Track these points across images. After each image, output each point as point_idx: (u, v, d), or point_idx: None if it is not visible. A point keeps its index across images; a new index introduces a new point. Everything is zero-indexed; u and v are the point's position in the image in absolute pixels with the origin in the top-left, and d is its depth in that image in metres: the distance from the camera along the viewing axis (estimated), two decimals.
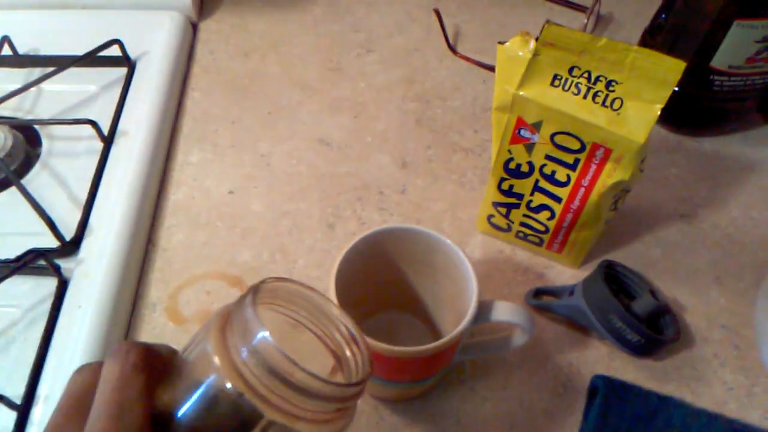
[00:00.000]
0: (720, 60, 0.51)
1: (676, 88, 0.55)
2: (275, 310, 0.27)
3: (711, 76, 0.53)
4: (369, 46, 0.65)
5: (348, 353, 0.27)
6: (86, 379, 0.25)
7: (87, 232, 0.50)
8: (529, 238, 0.49)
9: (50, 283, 0.48)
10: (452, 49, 0.65)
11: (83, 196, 0.52)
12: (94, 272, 0.48)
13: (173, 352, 0.26)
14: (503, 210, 0.48)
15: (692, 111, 0.57)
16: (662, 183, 0.56)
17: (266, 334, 0.23)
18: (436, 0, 0.69)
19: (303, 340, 0.27)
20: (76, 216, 0.51)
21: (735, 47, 0.50)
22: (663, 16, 0.56)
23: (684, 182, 0.56)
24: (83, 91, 0.61)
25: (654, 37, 0.57)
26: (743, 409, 0.44)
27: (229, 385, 0.22)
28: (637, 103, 0.38)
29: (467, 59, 0.64)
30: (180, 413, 0.23)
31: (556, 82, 0.40)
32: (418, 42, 0.66)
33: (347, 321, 0.27)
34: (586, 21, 0.64)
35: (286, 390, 0.22)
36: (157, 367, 0.24)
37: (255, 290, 0.24)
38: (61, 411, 0.24)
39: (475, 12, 0.69)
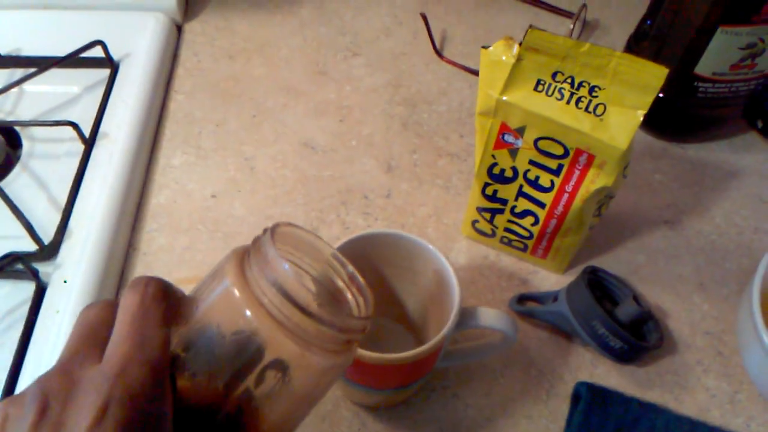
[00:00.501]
0: (704, 67, 0.51)
1: (661, 95, 0.55)
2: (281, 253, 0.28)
3: (695, 83, 0.53)
4: (355, 50, 0.65)
5: (349, 296, 0.29)
6: (99, 313, 0.25)
7: (66, 236, 0.49)
8: (514, 243, 0.49)
9: (28, 288, 0.47)
10: (439, 53, 0.65)
11: (63, 199, 0.51)
12: (72, 277, 0.47)
13: (183, 294, 0.27)
14: (487, 215, 0.48)
15: (677, 117, 0.57)
16: (647, 189, 0.56)
17: (287, 266, 0.24)
18: (423, 4, 0.69)
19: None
20: (56, 219, 0.50)
21: (719, 54, 0.50)
22: (648, 22, 0.56)
23: (668, 189, 0.56)
24: (65, 92, 0.60)
25: (639, 44, 0.57)
26: (726, 415, 0.44)
27: (249, 313, 0.24)
28: (620, 109, 0.38)
29: (454, 64, 0.64)
30: (197, 346, 0.25)
31: (540, 87, 0.40)
32: (405, 46, 0.66)
33: (349, 267, 0.29)
34: (572, 26, 0.64)
35: (303, 318, 0.24)
36: (173, 303, 0.25)
37: (272, 231, 0.26)
38: (76, 340, 0.24)
39: (461, 16, 0.69)
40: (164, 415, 0.23)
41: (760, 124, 0.59)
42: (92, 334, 0.24)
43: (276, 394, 0.25)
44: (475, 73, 0.63)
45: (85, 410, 0.22)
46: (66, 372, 0.23)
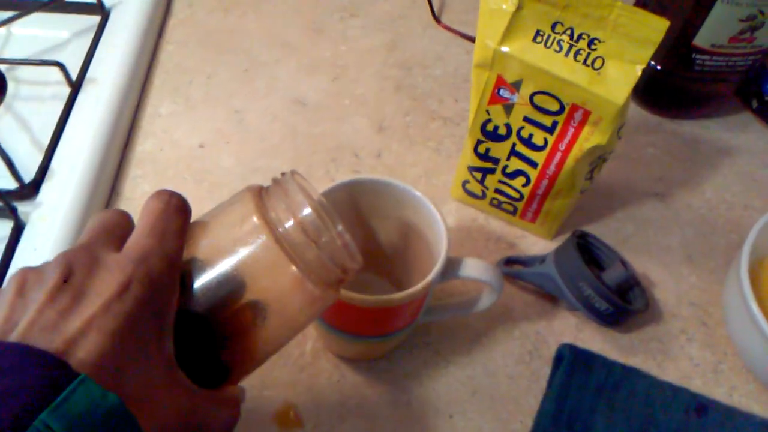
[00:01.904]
0: (703, 38, 0.51)
1: (658, 67, 0.55)
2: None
3: (693, 55, 0.52)
4: (353, 11, 0.64)
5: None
6: (114, 216, 0.27)
7: (48, 176, 0.48)
8: (503, 206, 0.49)
9: (6, 226, 0.46)
10: (437, 18, 0.64)
11: (46, 140, 0.50)
12: (52, 217, 0.46)
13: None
14: (478, 175, 0.47)
15: (673, 91, 0.56)
16: (639, 162, 0.55)
17: (305, 199, 0.27)
18: None
19: None
20: (38, 160, 0.49)
21: (719, 25, 0.50)
22: None
23: (661, 162, 0.55)
24: (54, 36, 0.59)
25: None
26: (708, 385, 0.43)
27: (263, 237, 0.26)
28: (618, 63, 0.38)
29: (451, 30, 0.63)
30: (205, 262, 0.26)
31: (539, 39, 0.39)
32: (403, 9, 0.65)
33: (339, 226, 0.30)
34: None
35: (312, 248, 0.27)
36: (189, 218, 0.27)
37: (292, 173, 0.29)
38: (95, 232, 0.26)
39: None
40: (172, 308, 0.24)
41: (754, 104, 0.59)
42: (110, 230, 0.26)
43: (269, 315, 0.27)
44: (472, 39, 0.62)
45: (107, 283, 0.23)
46: (90, 251, 0.24)
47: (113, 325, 0.22)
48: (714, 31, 0.50)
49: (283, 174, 0.29)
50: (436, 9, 0.65)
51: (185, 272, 0.26)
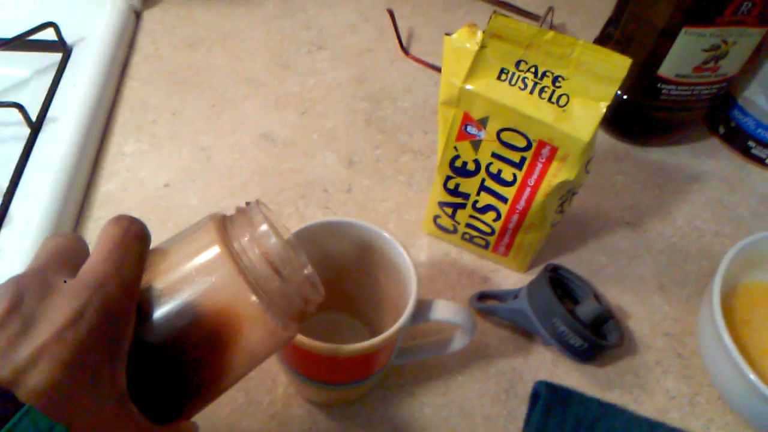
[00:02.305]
0: (667, 68, 0.51)
1: (625, 96, 0.55)
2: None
3: (658, 85, 0.53)
4: (320, 44, 0.64)
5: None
6: (68, 242, 0.25)
7: (5, 222, 0.46)
8: (475, 240, 0.48)
9: None
10: (405, 50, 0.64)
11: (4, 184, 0.48)
12: (10, 266, 0.44)
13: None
14: (449, 210, 0.47)
15: (640, 120, 0.57)
16: (609, 190, 0.55)
17: (269, 228, 0.26)
18: (390, 1, 0.68)
19: None
20: None
21: (683, 56, 0.50)
22: (612, 26, 0.56)
23: (630, 190, 0.55)
24: (14, 75, 0.57)
25: (604, 47, 0.57)
26: (685, 418, 0.43)
27: (226, 268, 0.25)
28: (583, 100, 0.37)
29: (419, 61, 0.63)
30: (163, 291, 0.25)
31: (503, 76, 0.39)
32: (371, 42, 0.65)
33: (303, 257, 0.30)
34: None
35: (276, 279, 0.26)
36: (148, 247, 0.26)
37: (257, 202, 0.28)
38: (47, 257, 0.24)
39: (429, 15, 0.68)
40: (127, 339, 0.23)
41: (722, 130, 0.59)
42: (63, 255, 0.25)
43: (227, 348, 0.26)
44: (440, 70, 0.62)
45: (60, 310, 0.22)
46: (41, 275, 0.23)
47: (65, 354, 0.21)
48: (678, 62, 0.51)
49: (247, 203, 0.28)
50: (404, 40, 0.65)
51: (142, 301, 0.25)
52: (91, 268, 0.24)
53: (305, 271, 0.27)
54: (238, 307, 0.25)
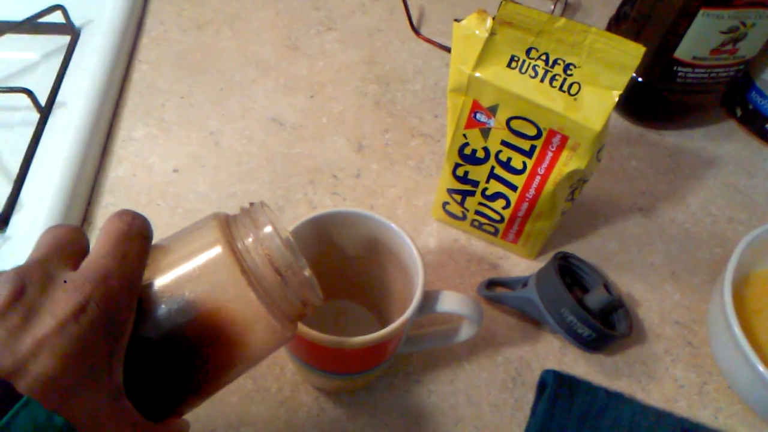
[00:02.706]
0: (684, 50, 0.50)
1: (639, 79, 0.54)
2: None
3: (675, 67, 0.51)
4: (329, 24, 0.63)
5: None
6: (68, 232, 0.25)
7: (17, 208, 0.47)
8: (485, 227, 0.48)
9: None
10: (416, 30, 0.63)
11: (15, 170, 0.49)
12: (21, 251, 0.44)
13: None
14: (458, 197, 0.47)
15: (655, 103, 0.56)
16: (622, 176, 0.54)
17: (273, 230, 0.27)
18: None
19: None
20: (6, 191, 0.47)
21: (700, 37, 0.49)
22: (629, 4, 0.54)
23: (644, 175, 0.55)
24: (22, 59, 0.57)
25: (620, 26, 0.55)
26: (693, 407, 0.43)
27: (231, 271, 0.25)
28: (594, 89, 0.37)
29: (430, 42, 0.62)
30: (163, 289, 0.25)
31: (513, 64, 0.38)
32: (381, 22, 0.64)
33: (302, 259, 0.30)
34: (553, 7, 0.63)
35: (278, 280, 0.26)
36: (150, 243, 0.26)
37: (262, 204, 0.28)
38: (47, 248, 0.24)
39: None
40: (127, 334, 0.23)
41: (739, 113, 0.58)
42: (64, 247, 0.24)
43: (226, 347, 0.26)
44: None
45: (62, 303, 0.21)
46: (43, 267, 0.23)
47: (66, 347, 0.21)
48: (695, 44, 0.49)
49: (251, 204, 0.29)
50: (414, 20, 0.64)
51: (142, 297, 0.25)
52: (93, 261, 0.24)
53: (305, 273, 0.27)
54: (240, 307, 0.26)
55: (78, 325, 0.21)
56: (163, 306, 0.25)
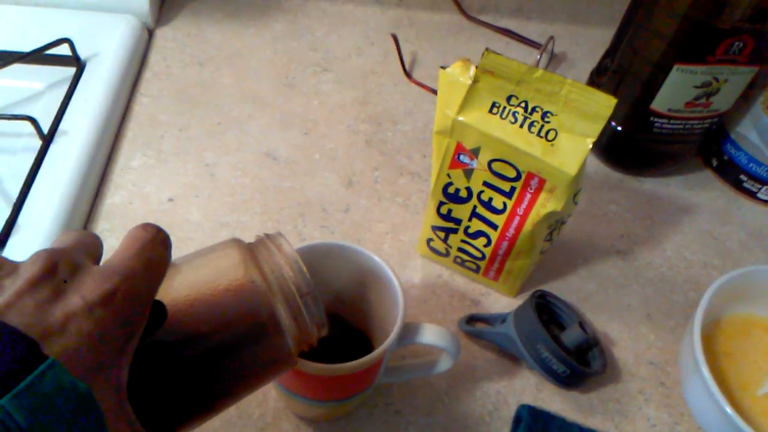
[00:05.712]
0: (660, 103, 0.53)
1: (619, 128, 0.57)
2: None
3: (651, 118, 0.54)
4: (326, 65, 0.66)
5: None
6: (88, 235, 0.26)
7: (14, 231, 0.48)
8: (467, 264, 0.49)
9: None
10: (408, 74, 0.66)
11: (15, 194, 0.50)
12: None
13: None
14: (442, 234, 0.48)
15: (634, 151, 0.58)
16: (601, 219, 0.56)
17: (296, 256, 0.28)
18: (396, 26, 0.70)
19: None
20: (5, 214, 0.49)
21: (675, 91, 0.52)
22: (609, 58, 0.57)
23: (623, 219, 0.57)
24: (28, 88, 0.59)
25: (600, 78, 0.58)
26: None
27: (257, 291, 0.26)
28: (570, 136, 0.39)
29: (422, 85, 0.65)
30: (183, 306, 0.26)
31: (495, 110, 0.40)
32: (375, 65, 0.67)
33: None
34: (539, 57, 0.66)
35: (300, 304, 0.27)
36: (171, 257, 0.26)
37: (279, 234, 0.30)
38: (71, 243, 0.24)
39: (432, 41, 0.70)
40: (138, 335, 0.24)
41: (714, 163, 0.61)
42: (87, 245, 0.25)
43: (235, 367, 0.27)
44: None
45: (91, 287, 0.22)
46: (72, 254, 0.23)
47: (92, 329, 0.21)
48: (670, 97, 0.52)
49: (266, 234, 0.30)
50: (407, 65, 0.67)
51: (156, 307, 0.25)
52: (120, 260, 0.24)
53: (320, 300, 0.28)
54: (255, 329, 0.26)
55: (105, 311, 0.22)
56: (175, 319, 0.26)
